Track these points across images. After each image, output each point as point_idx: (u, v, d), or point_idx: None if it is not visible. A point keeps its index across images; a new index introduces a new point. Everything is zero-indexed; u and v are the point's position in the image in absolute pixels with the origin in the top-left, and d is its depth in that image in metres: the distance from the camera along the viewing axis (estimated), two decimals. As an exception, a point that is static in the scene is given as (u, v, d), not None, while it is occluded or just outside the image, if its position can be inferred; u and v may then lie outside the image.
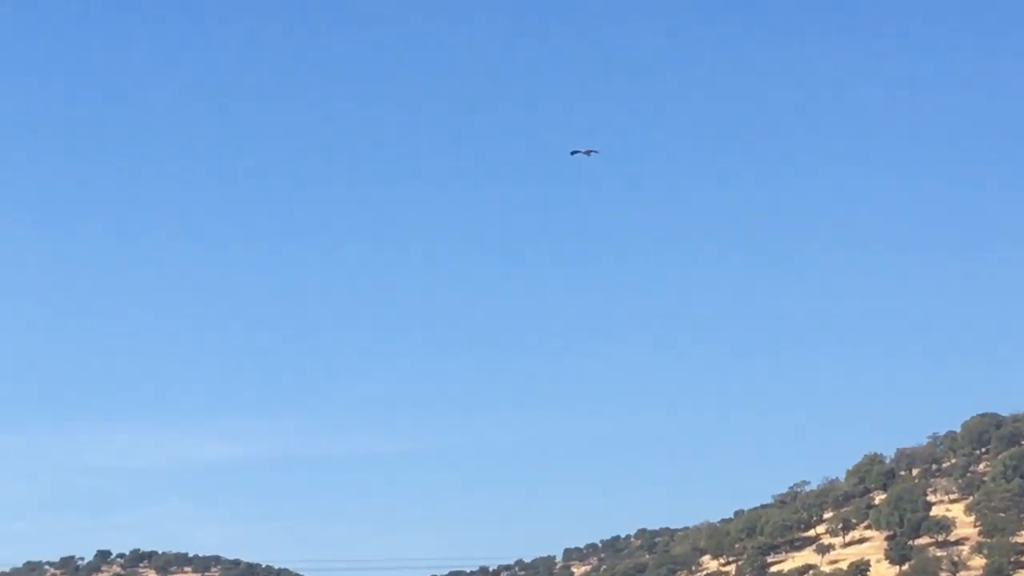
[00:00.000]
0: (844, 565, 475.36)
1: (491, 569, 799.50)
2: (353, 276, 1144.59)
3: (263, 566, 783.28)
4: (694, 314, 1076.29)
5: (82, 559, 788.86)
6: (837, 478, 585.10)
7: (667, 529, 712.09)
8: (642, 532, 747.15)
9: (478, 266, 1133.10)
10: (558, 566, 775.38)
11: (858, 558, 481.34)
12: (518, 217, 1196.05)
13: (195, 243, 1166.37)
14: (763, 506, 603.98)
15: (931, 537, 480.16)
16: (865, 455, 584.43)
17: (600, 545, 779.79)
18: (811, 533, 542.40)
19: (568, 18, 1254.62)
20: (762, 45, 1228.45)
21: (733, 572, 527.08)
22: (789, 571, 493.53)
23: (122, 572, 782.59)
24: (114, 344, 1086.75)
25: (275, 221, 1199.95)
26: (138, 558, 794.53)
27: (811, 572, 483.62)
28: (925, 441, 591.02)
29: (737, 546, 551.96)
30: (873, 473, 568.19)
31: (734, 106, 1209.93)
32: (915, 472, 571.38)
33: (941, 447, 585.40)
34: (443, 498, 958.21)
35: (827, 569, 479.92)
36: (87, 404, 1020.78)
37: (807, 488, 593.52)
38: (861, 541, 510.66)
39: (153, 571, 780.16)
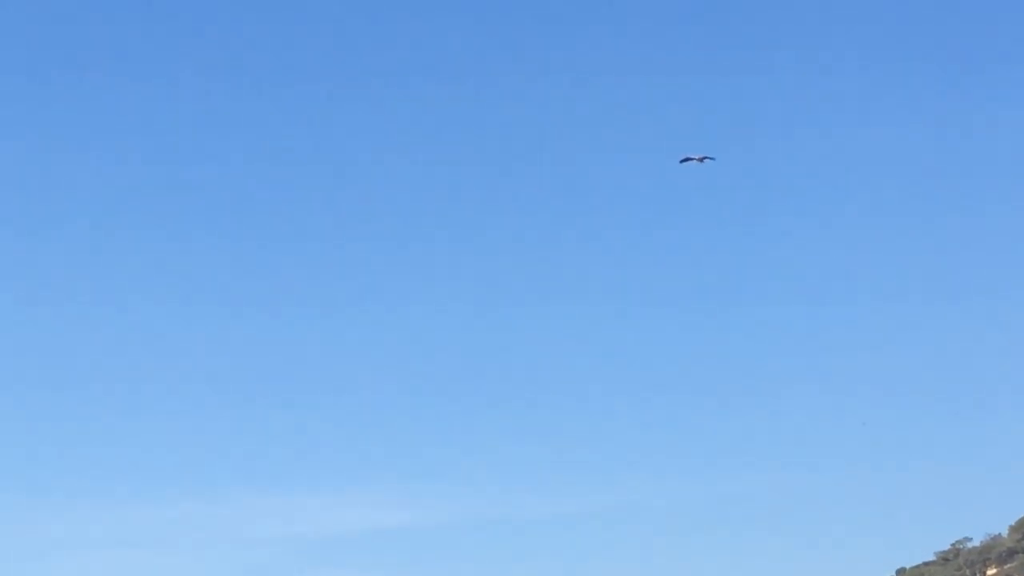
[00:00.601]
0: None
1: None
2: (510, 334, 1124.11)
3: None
4: (848, 367, 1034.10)
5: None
6: (1000, 534, 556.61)
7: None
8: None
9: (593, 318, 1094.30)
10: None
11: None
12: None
13: (358, 304, 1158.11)
14: (925, 563, 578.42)
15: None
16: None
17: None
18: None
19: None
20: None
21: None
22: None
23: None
24: (267, 412, 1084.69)
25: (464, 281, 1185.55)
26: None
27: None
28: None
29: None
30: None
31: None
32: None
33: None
34: (608, 563, 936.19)
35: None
36: (244, 474, 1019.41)
37: (969, 545, 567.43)
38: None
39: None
